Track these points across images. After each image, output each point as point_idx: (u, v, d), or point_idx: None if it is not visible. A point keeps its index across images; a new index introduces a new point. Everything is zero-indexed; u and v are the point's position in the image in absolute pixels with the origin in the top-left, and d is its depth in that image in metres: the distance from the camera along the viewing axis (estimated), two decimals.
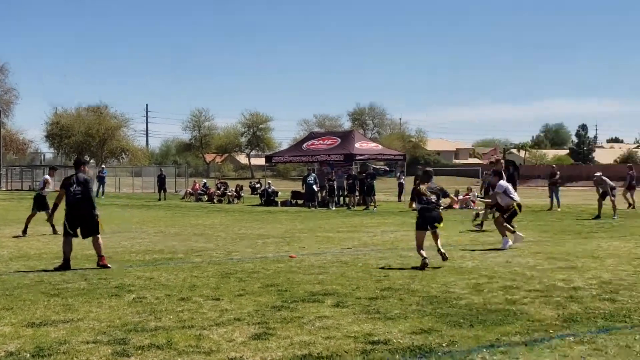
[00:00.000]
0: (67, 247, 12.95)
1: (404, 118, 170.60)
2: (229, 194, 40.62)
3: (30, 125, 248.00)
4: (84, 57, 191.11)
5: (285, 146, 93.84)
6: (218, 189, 42.35)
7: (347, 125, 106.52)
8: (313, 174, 35.63)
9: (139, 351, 6.80)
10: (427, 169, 13.99)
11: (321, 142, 37.74)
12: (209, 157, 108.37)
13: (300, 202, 37.16)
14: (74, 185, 13.10)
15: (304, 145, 38.45)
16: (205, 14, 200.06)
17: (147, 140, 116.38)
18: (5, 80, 78.66)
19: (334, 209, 33.05)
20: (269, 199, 37.52)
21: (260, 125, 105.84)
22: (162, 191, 44.41)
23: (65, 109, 78.01)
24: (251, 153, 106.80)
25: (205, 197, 41.79)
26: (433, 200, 12.79)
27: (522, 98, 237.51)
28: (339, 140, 37.05)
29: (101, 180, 48.51)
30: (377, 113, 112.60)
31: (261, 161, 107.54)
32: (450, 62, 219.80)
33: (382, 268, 12.41)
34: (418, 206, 12.83)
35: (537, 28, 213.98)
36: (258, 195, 40.43)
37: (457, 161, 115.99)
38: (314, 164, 38.55)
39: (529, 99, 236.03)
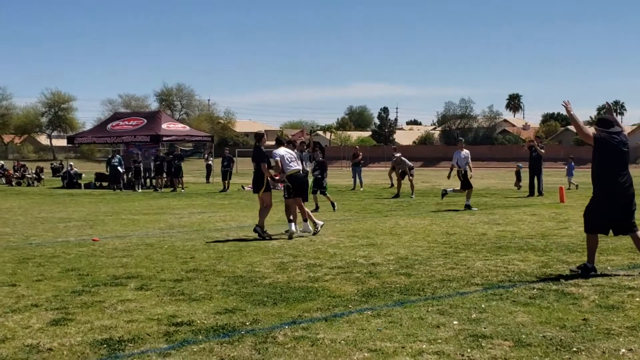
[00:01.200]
0: None
1: (213, 99, 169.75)
2: (29, 176, 38.89)
3: None
4: None
5: (89, 127, 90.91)
6: (16, 170, 40.35)
7: (154, 105, 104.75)
8: (118, 156, 34.81)
9: None
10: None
11: (126, 122, 36.87)
12: (7, 138, 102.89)
13: (105, 184, 36.19)
14: None
15: (109, 126, 37.39)
16: None
17: None
18: None
19: (140, 191, 32.47)
20: (71, 181, 36.25)
21: (62, 105, 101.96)
22: None
23: None
24: (53, 134, 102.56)
25: (3, 180, 39.73)
26: None
27: (327, 81, 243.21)
28: (145, 121, 36.35)
29: None
30: (185, 94, 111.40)
31: (64, 142, 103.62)
32: (258, 46, 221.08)
33: (189, 250, 12.34)
34: None
35: (342, 10, 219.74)
36: (60, 178, 38.92)
37: (268, 143, 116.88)
38: (119, 145, 37.58)
39: (335, 82, 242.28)
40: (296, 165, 14.50)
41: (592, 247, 9.49)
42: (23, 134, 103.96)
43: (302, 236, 14.02)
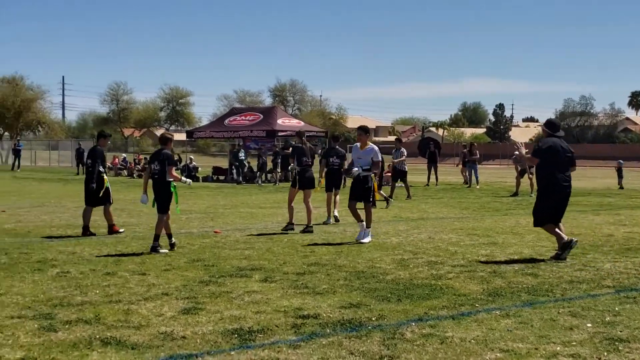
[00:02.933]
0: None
1: (325, 95, 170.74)
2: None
3: None
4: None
5: (205, 121, 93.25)
6: (137, 163, 41.70)
7: (268, 101, 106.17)
8: (243, 150, 35.52)
9: (67, 326, 6.67)
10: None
11: (243, 117, 37.51)
12: (127, 132, 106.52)
13: (221, 177, 36.95)
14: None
15: (226, 121, 38.13)
16: None
17: (63, 113, 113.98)
18: None
19: (260, 184, 32.93)
20: (189, 174, 37.13)
21: (180, 100, 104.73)
22: (80, 165, 43.41)
23: None
24: (170, 128, 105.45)
25: (125, 172, 41.15)
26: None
27: (440, 77, 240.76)
28: (261, 116, 36.90)
29: (17, 153, 47.23)
30: (298, 89, 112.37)
31: (180, 136, 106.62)
32: (373, 41, 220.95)
33: (308, 245, 12.45)
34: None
35: (455, 7, 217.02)
36: (179, 171, 40.01)
37: (376, 139, 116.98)
38: (235, 140, 38.31)
39: (448, 78, 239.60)
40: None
41: None
42: (142, 127, 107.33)
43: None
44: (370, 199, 12.98)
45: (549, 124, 11.29)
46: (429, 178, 32.59)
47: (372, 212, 13.02)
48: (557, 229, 10.74)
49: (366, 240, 12.60)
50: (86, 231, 13.73)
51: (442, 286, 8.65)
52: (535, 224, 11.08)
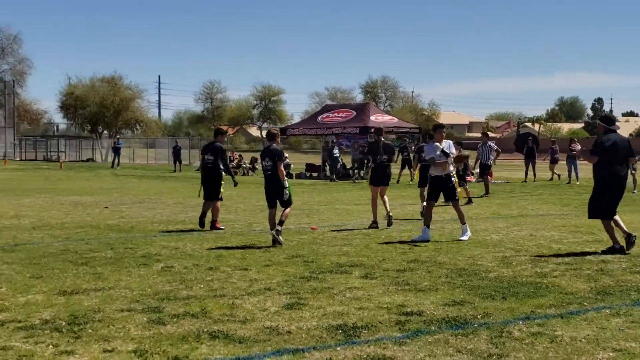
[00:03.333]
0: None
1: (417, 91, 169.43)
2: (244, 165, 40.59)
3: (44, 96, 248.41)
4: (98, 27, 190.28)
5: (297, 119, 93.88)
6: (232, 161, 42.27)
7: (359, 98, 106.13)
8: (337, 147, 35.66)
9: (175, 319, 6.81)
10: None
11: (336, 114, 37.61)
12: None
13: (314, 174, 37.15)
14: (208, 154, 14.27)
15: (319, 118, 38.33)
16: None
17: (159, 112, 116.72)
18: (19, 50, 78.71)
19: (355, 181, 32.94)
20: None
21: (272, 98, 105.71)
22: (177, 162, 44.41)
23: (80, 79, 77.72)
24: (263, 125, 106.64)
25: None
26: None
27: (534, 71, 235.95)
28: (354, 113, 36.91)
29: (116, 151, 48.62)
30: (390, 86, 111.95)
31: None
32: (465, 35, 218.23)
33: (405, 242, 12.36)
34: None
35: (549, 3, 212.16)
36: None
37: (470, 134, 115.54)
38: (327, 137, 38.47)
39: (542, 72, 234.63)
40: None
41: None
42: (235, 125, 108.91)
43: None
44: (455, 197, 12.82)
45: (606, 119, 11.39)
46: (526, 174, 32.00)
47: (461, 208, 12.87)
48: (615, 223, 10.84)
49: (465, 237, 12.42)
50: (202, 220, 14.11)
51: (547, 284, 8.45)
52: (591, 216, 11.33)
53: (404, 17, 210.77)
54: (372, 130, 15.64)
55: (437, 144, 13.00)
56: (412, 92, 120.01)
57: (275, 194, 12.33)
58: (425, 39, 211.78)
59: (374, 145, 15.14)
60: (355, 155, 34.77)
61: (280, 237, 11.80)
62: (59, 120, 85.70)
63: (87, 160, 61.02)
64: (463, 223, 12.65)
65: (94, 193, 24.43)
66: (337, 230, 14.00)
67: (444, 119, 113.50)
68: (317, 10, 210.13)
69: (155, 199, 22.11)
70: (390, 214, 14.56)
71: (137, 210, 17.91)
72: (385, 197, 14.75)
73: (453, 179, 12.86)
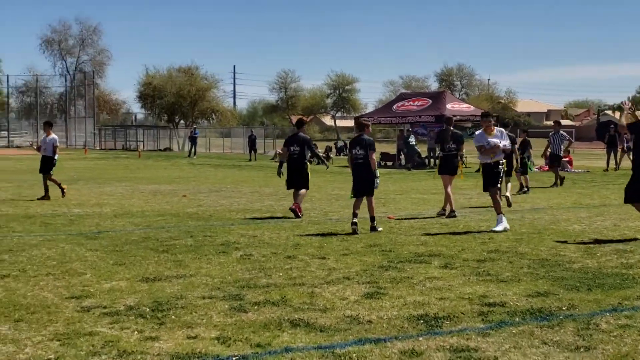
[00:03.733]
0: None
1: (493, 79, 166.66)
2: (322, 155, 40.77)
3: (122, 86, 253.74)
4: (174, 17, 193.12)
5: (371, 107, 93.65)
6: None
7: (434, 86, 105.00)
8: (413, 135, 35.49)
9: (255, 307, 6.85)
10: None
11: (411, 103, 37.36)
12: (294, 119, 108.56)
13: (389, 163, 36.98)
14: (294, 145, 14.49)
15: (394, 107, 38.12)
16: None
17: (234, 102, 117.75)
18: (99, 42, 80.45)
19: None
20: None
21: (346, 87, 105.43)
22: (252, 152, 44.81)
23: (158, 70, 78.89)
24: (337, 114, 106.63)
25: None
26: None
27: (615, 57, 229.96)
28: (430, 101, 36.59)
29: (193, 140, 49.28)
30: (466, 74, 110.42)
31: (346, 123, 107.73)
32: (541, 20, 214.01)
33: (484, 231, 12.18)
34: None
35: None
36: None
37: (548, 123, 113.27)
38: (403, 126, 38.25)
39: (624, 58, 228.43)
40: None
41: None
42: (309, 114, 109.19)
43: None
44: (498, 184, 12.57)
45: None
46: (608, 163, 31.25)
47: (498, 198, 12.52)
48: None
49: (499, 228, 12.05)
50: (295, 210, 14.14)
51: (634, 275, 8.22)
52: (626, 201, 11.23)
53: (480, 4, 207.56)
54: (443, 119, 15.65)
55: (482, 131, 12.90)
56: (489, 79, 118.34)
57: (366, 183, 12.39)
58: (502, 26, 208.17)
59: (442, 133, 15.03)
60: (432, 144, 34.48)
61: (379, 227, 12.17)
62: (137, 110, 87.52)
63: (165, 149, 62.01)
64: (498, 213, 12.33)
65: (172, 182, 24.85)
66: (414, 219, 13.90)
67: (521, 107, 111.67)
68: None
69: (231, 187, 22.34)
70: (448, 208, 14.36)
71: (215, 199, 18.12)
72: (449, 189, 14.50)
73: (500, 167, 12.61)
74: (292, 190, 14.66)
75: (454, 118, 34.36)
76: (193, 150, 48.56)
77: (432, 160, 34.76)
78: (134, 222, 13.61)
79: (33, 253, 10.02)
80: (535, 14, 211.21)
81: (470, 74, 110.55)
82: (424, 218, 14.09)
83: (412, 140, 34.91)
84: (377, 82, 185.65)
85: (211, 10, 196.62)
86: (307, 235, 11.74)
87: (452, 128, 15.00)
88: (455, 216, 14.05)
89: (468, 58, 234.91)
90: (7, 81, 75.06)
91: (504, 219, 12.28)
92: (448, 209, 14.31)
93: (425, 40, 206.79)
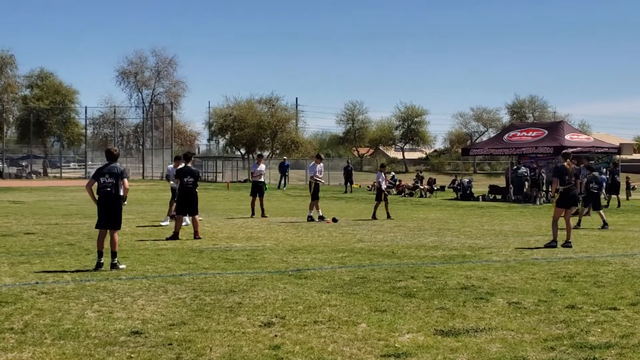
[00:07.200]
0: None
1: (567, 111, 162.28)
2: (421, 187, 39.37)
3: (194, 115, 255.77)
4: (237, 48, 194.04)
5: (440, 140, 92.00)
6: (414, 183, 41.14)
7: (505, 118, 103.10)
8: (524, 167, 33.92)
9: None
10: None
11: (525, 133, 35.66)
12: (361, 150, 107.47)
13: (498, 197, 35.34)
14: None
15: (505, 137, 36.49)
16: (355, 8, 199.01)
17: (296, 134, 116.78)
18: (174, 74, 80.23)
19: (538, 204, 30.97)
20: (465, 192, 35.95)
21: (415, 119, 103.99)
22: (348, 183, 43.61)
23: (237, 100, 78.13)
24: (405, 147, 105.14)
25: (394, 191, 40.36)
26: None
27: None
28: (546, 132, 34.85)
29: (283, 171, 48.22)
30: (538, 106, 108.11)
31: (414, 155, 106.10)
32: (612, 56, 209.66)
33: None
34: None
35: None
36: (452, 190, 38.89)
37: (620, 157, 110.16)
38: (515, 157, 36.64)
39: None
40: None
41: None
42: (376, 146, 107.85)
43: None
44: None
45: None
46: None
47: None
48: None
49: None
50: None
51: None
52: None
53: (553, 35, 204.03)
54: (561, 154, 15.64)
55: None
56: (555, 111, 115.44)
57: None
58: (575, 56, 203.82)
59: (561, 169, 15.22)
60: (550, 177, 32.80)
61: None
62: (204, 141, 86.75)
63: (245, 180, 61.05)
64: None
65: (289, 214, 24.13)
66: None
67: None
68: (458, 29, 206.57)
69: (365, 221, 20.99)
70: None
71: (366, 233, 17.01)
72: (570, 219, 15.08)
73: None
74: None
75: (575, 150, 32.80)
76: (283, 181, 47.49)
77: (543, 193, 33.09)
78: (319, 258, 12.42)
79: (263, 295, 8.81)
80: (607, 45, 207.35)
81: (542, 106, 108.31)
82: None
83: (523, 171, 33.48)
84: (445, 114, 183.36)
85: (275, 42, 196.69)
86: (542, 278, 10.28)
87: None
88: (555, 246, 14.30)
89: (540, 89, 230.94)
90: (85, 113, 74.92)
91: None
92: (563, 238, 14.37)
93: (496, 71, 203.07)
